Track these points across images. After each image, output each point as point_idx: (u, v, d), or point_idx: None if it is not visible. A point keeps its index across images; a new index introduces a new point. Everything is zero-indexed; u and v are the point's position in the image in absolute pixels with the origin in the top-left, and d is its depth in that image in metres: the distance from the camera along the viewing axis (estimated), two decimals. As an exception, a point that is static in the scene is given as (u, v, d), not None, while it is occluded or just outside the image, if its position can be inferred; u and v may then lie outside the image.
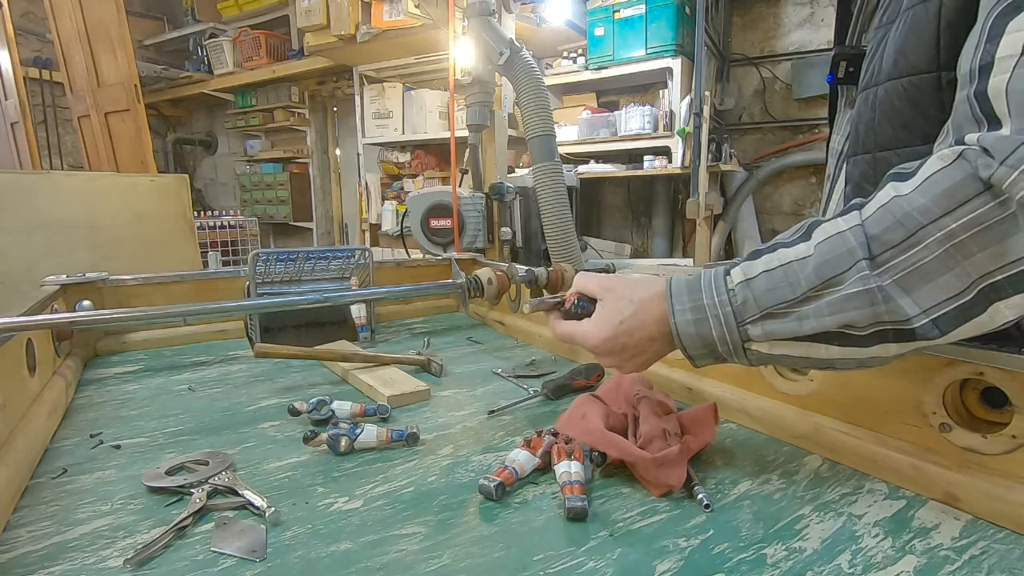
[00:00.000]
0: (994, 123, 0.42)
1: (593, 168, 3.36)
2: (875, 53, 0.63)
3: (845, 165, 0.69)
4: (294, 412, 0.71)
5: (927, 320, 0.42)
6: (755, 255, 0.49)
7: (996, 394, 0.50)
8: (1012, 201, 0.39)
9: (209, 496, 0.52)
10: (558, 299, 0.62)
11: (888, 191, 0.44)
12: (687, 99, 2.99)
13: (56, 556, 0.45)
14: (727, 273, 0.50)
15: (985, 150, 0.40)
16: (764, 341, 0.48)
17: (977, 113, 0.44)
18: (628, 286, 0.55)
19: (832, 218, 0.46)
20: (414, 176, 3.99)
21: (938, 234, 0.41)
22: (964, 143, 0.42)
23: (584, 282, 0.59)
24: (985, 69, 0.44)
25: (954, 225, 0.40)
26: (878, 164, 0.62)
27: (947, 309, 0.42)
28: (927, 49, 0.55)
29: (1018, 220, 0.39)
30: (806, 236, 0.47)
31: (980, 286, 0.41)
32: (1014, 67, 0.42)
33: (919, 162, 0.44)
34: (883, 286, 0.42)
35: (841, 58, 0.73)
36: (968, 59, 0.46)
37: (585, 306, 0.59)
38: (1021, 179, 0.38)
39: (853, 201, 0.46)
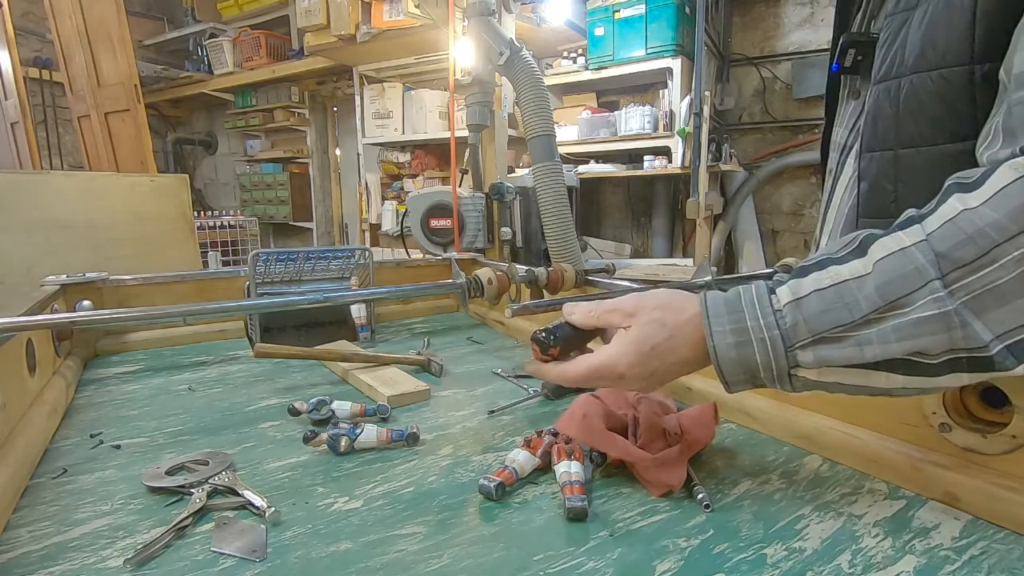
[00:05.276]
0: None
1: (593, 168, 3.36)
2: (895, 41, 0.59)
3: (854, 160, 0.66)
4: (294, 412, 0.71)
5: (1001, 347, 0.39)
6: (802, 272, 0.45)
7: (996, 394, 0.50)
8: None
9: (209, 496, 0.52)
10: (543, 302, 0.56)
11: (953, 204, 0.40)
12: (687, 99, 2.99)
13: (56, 556, 0.45)
14: (772, 292, 0.45)
15: None
16: (815, 368, 0.43)
17: None
18: (656, 307, 0.49)
19: (890, 232, 0.43)
20: (414, 176, 3.99)
21: (1015, 253, 0.37)
22: None
23: (601, 317, 0.51)
24: None
25: None
26: (900, 162, 0.59)
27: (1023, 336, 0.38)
28: (960, 40, 0.52)
29: None
30: (860, 252, 0.43)
31: None
32: None
33: (982, 171, 0.41)
34: (958, 309, 0.39)
35: (851, 46, 0.67)
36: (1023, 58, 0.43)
37: (567, 334, 0.52)
38: None
39: (909, 212, 0.43)
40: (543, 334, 0.53)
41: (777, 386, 0.46)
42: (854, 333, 0.42)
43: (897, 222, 0.43)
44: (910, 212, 0.43)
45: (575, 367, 0.51)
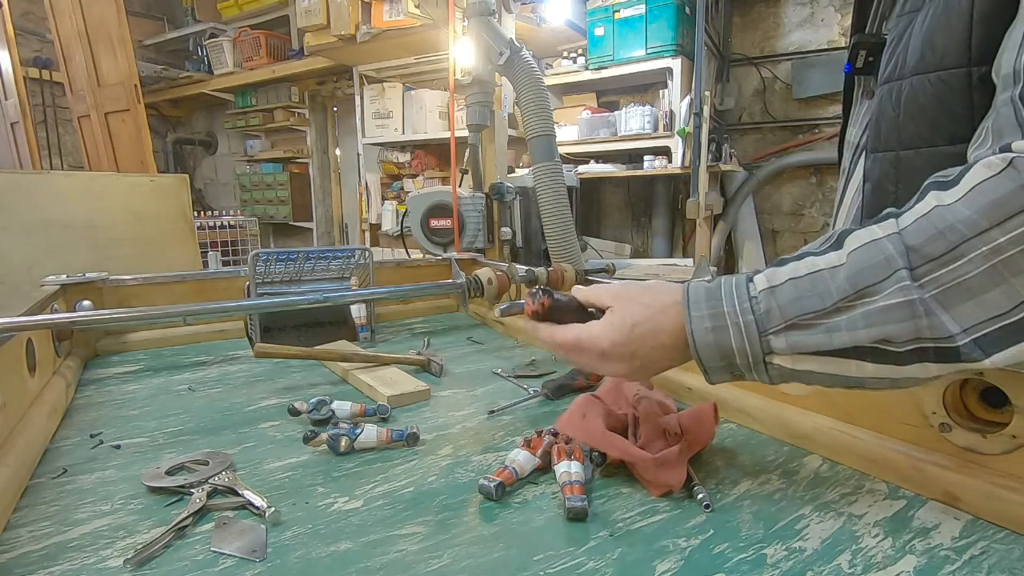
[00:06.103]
0: None
1: (593, 168, 3.36)
2: (898, 43, 0.60)
3: (863, 161, 0.67)
4: (294, 412, 0.71)
5: (968, 339, 0.39)
6: (781, 262, 0.46)
7: (996, 394, 0.50)
8: None
9: (209, 496, 0.52)
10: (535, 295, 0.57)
11: (929, 200, 0.41)
12: (687, 99, 2.99)
13: (56, 556, 0.45)
14: (750, 280, 0.46)
15: None
16: (788, 355, 0.44)
17: (1022, 117, 0.41)
18: (641, 291, 0.52)
19: (865, 226, 0.43)
20: (414, 176, 3.99)
21: (984, 248, 0.38)
22: (1010, 150, 0.39)
23: (590, 292, 0.55)
24: None
25: (1002, 239, 0.37)
26: (901, 163, 0.60)
27: (990, 329, 0.39)
28: (958, 42, 0.52)
29: None
30: (837, 245, 0.44)
31: None
32: None
33: (960, 169, 0.41)
34: (924, 299, 0.39)
35: (861, 47, 0.68)
36: (1011, 59, 0.44)
37: (562, 299, 0.55)
38: None
39: (888, 209, 0.44)
40: (537, 286, 0.55)
41: (754, 375, 0.47)
42: (824, 320, 0.43)
43: (875, 218, 0.44)
44: (889, 209, 0.44)
45: (564, 332, 0.54)
